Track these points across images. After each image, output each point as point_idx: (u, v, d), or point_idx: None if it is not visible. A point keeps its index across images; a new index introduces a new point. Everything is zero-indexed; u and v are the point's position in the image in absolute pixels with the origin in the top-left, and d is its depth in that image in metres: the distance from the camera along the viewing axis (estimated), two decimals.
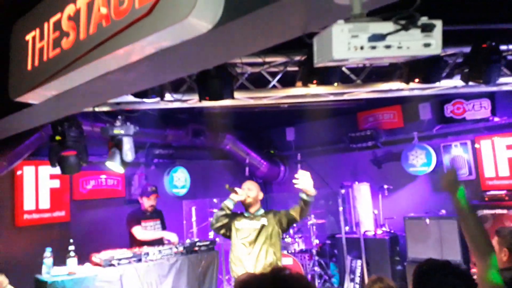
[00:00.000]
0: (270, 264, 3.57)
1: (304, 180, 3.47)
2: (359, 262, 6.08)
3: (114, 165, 4.05)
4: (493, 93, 5.59)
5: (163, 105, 3.75)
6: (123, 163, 4.12)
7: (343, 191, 6.62)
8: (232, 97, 3.33)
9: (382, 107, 6.85)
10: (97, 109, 3.85)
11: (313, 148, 7.55)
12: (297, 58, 3.53)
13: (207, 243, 4.91)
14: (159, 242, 4.75)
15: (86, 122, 4.49)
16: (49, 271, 3.82)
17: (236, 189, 3.79)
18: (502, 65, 3.45)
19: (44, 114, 3.06)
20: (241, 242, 3.69)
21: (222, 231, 3.80)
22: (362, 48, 1.37)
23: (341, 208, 6.20)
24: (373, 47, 1.36)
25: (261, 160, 7.84)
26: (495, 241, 2.50)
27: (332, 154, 7.43)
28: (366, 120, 7.19)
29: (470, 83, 3.43)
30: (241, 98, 3.75)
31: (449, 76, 3.67)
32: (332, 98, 4.10)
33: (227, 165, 7.86)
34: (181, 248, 4.60)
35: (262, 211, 3.83)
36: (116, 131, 3.86)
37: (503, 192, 5.35)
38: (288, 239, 6.40)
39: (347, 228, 6.48)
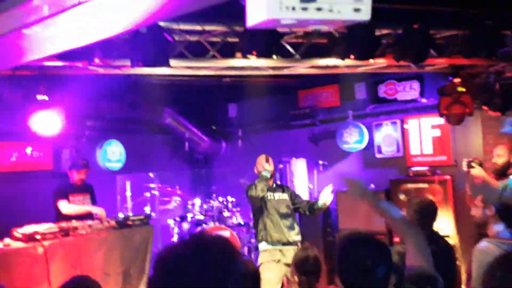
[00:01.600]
0: (298, 233, 4.34)
1: (328, 195, 4.12)
2: None
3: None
4: (422, 75, 5.95)
5: (92, 71, 3.50)
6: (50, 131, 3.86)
7: (281, 166, 6.77)
8: (168, 65, 3.19)
9: (321, 86, 7.02)
10: (17, 73, 3.49)
11: (255, 125, 7.60)
12: (238, 28, 3.46)
13: (142, 217, 4.78)
14: (89, 217, 4.53)
15: (5, 87, 4.09)
16: None
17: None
18: (430, 46, 3.66)
19: None
20: (276, 212, 4.31)
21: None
22: (293, 8, 1.35)
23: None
24: (304, 9, 1.35)
25: (202, 135, 7.73)
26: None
27: (273, 131, 7.54)
28: (306, 98, 7.34)
29: (401, 62, 3.61)
30: (178, 67, 3.61)
31: (382, 55, 3.82)
32: (272, 72, 4.10)
33: (165, 140, 7.65)
34: (113, 223, 4.44)
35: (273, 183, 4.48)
36: (40, 97, 3.55)
37: (426, 168, 5.79)
38: (226, 213, 6.45)
39: None
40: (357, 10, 1.39)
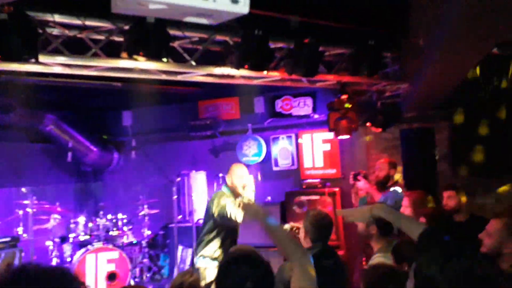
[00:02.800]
0: None
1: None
2: (190, 250, 6.02)
3: None
4: (315, 92, 6.26)
5: None
6: None
7: (179, 179, 6.47)
8: (37, 60, 2.74)
9: (222, 97, 6.96)
10: None
11: (152, 135, 7.19)
12: (123, 26, 3.15)
13: (7, 239, 4.11)
14: None
15: None
16: None
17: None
18: (320, 62, 3.80)
19: None
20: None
21: None
22: None
23: (175, 197, 6.04)
24: None
25: (91, 145, 7.03)
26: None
27: (171, 142, 7.22)
28: (207, 109, 7.19)
29: (293, 76, 3.68)
30: (52, 64, 3.15)
31: (276, 68, 3.86)
32: (164, 77, 3.85)
33: (46, 149, 6.78)
34: None
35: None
36: None
37: (318, 180, 6.04)
38: (114, 232, 5.89)
39: (180, 217, 6.35)
40: (234, 1, 1.26)
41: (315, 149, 6.28)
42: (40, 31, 2.95)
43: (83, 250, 5.49)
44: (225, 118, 7.05)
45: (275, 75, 3.90)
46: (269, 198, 6.09)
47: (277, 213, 5.65)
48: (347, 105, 4.48)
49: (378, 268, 1.94)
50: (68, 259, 5.63)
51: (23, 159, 6.33)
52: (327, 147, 6.21)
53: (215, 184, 6.58)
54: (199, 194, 6.67)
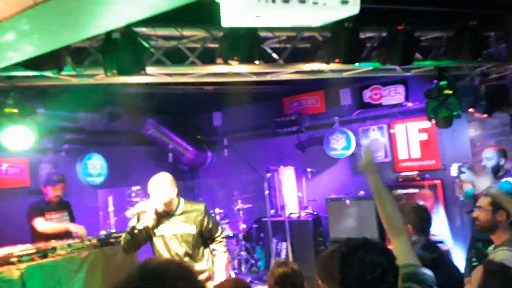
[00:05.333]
0: None
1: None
2: (284, 244, 6.15)
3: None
4: (407, 79, 5.90)
5: (64, 81, 3.30)
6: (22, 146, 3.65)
7: (269, 175, 6.63)
8: (144, 72, 3.02)
9: (306, 92, 6.94)
10: None
11: (240, 133, 7.47)
12: (217, 33, 3.32)
13: None
14: (68, 235, 4.30)
15: None
16: None
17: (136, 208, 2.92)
18: (416, 49, 3.58)
19: None
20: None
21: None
22: (274, 1, 1.20)
23: (266, 192, 6.20)
24: (286, 1, 1.21)
25: (187, 146, 7.54)
26: None
27: (259, 139, 7.41)
28: (291, 105, 7.24)
29: (387, 65, 3.52)
30: (156, 74, 3.44)
31: (367, 58, 3.73)
32: (255, 78, 3.96)
33: (148, 151, 7.42)
34: (94, 241, 4.22)
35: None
36: (8, 110, 3.33)
37: (415, 172, 5.70)
38: None
39: (272, 211, 6.51)
40: (344, 2, 1.25)
41: (410, 139, 5.94)
42: (145, 44, 3.24)
43: None
44: (310, 112, 7.02)
45: (366, 66, 3.78)
46: (362, 192, 5.93)
47: (372, 208, 5.48)
48: (447, 91, 4.15)
49: (505, 268, 1.72)
50: None
51: (130, 161, 7.02)
52: (424, 136, 5.83)
53: (303, 179, 6.62)
54: (288, 188, 6.76)
